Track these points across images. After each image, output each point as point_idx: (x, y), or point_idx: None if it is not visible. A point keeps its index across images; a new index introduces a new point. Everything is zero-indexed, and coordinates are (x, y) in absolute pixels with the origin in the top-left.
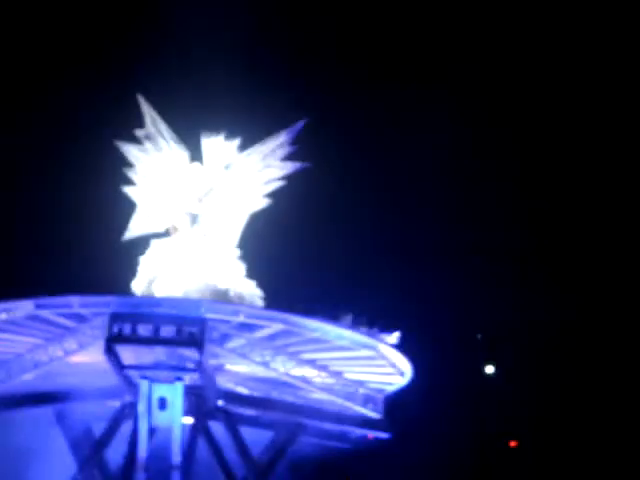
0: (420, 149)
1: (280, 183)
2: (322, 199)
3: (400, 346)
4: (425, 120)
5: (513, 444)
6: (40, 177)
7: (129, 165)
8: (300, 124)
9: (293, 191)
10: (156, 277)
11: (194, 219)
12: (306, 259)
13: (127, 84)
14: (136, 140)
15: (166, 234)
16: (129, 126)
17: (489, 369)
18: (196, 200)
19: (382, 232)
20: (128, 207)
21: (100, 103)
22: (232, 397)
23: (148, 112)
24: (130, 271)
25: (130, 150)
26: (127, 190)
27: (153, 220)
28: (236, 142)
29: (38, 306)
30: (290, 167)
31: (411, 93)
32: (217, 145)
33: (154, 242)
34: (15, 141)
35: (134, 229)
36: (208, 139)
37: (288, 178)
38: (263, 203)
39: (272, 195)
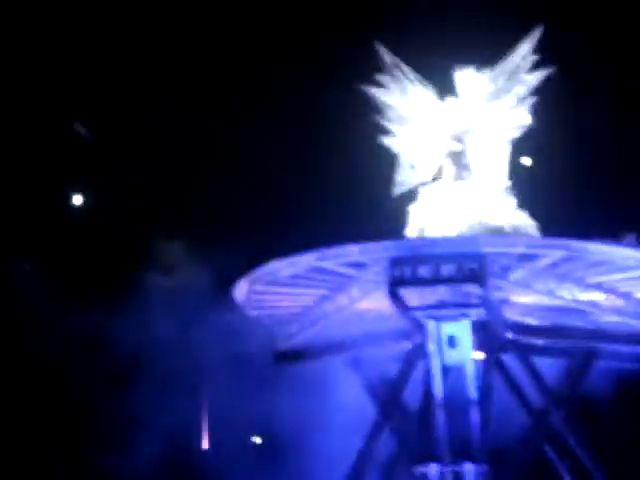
0: None
1: (532, 98)
2: (578, 109)
3: None
4: None
5: None
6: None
7: (380, 112)
8: (538, 31)
9: (547, 105)
10: (429, 222)
11: (457, 158)
12: (573, 179)
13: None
14: (381, 85)
15: (433, 180)
16: (371, 73)
17: None
18: (456, 138)
19: None
20: (390, 156)
21: (339, 52)
22: (521, 328)
23: (387, 56)
24: (402, 220)
25: (379, 96)
26: (386, 141)
27: (418, 168)
28: (482, 70)
29: (320, 258)
30: (537, 77)
31: None
32: (466, 77)
33: (422, 189)
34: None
35: (402, 182)
36: (458, 72)
37: (539, 90)
38: (521, 125)
39: (528, 114)
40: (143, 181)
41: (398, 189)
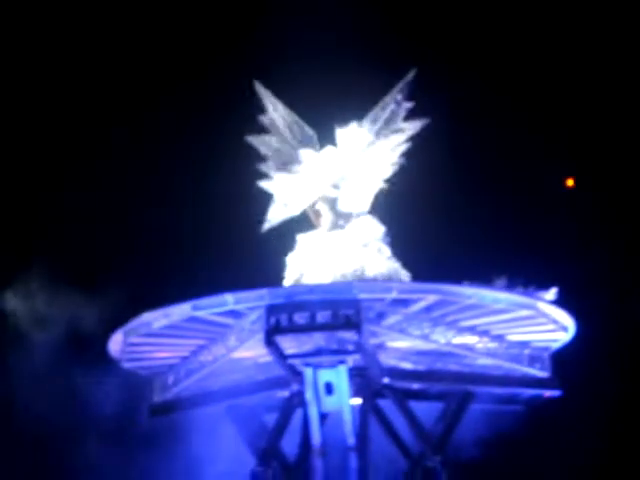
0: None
1: (407, 145)
2: (451, 154)
3: (559, 302)
4: None
5: None
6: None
7: (260, 157)
8: (410, 76)
9: (421, 152)
10: (305, 269)
11: (333, 205)
12: (448, 224)
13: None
14: (261, 129)
15: (310, 227)
16: (252, 116)
17: None
18: (333, 184)
19: (521, 182)
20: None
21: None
22: (397, 373)
23: (267, 98)
24: (280, 267)
25: (258, 141)
26: (263, 184)
27: (291, 207)
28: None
29: (195, 307)
30: (413, 126)
31: None
32: (346, 129)
33: (299, 236)
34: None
35: (272, 219)
36: (338, 125)
37: (415, 138)
38: (395, 171)
39: (403, 161)
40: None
41: (267, 225)
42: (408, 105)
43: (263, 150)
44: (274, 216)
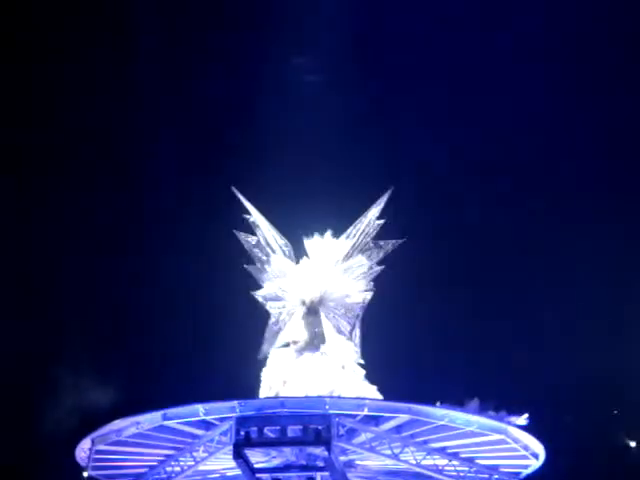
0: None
1: (380, 267)
2: (423, 272)
3: (530, 428)
4: None
5: None
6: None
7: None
8: (385, 196)
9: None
10: (278, 386)
11: (311, 323)
12: (423, 345)
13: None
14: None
15: (287, 344)
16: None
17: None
18: (312, 303)
19: (489, 305)
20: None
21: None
22: None
23: (245, 202)
24: (255, 381)
25: (244, 237)
26: (257, 294)
27: (286, 333)
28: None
29: (165, 417)
30: (387, 246)
31: None
32: (320, 242)
33: (273, 351)
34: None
35: (269, 343)
36: (313, 238)
37: (386, 258)
38: (368, 294)
39: (376, 281)
40: None
41: (265, 349)
42: (380, 222)
43: (247, 247)
44: (270, 341)
